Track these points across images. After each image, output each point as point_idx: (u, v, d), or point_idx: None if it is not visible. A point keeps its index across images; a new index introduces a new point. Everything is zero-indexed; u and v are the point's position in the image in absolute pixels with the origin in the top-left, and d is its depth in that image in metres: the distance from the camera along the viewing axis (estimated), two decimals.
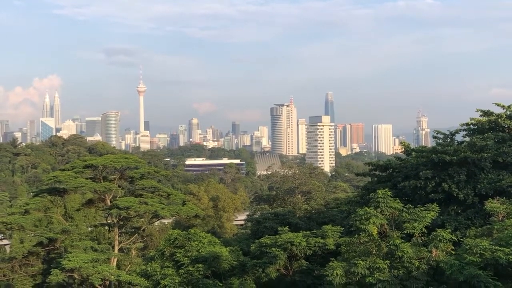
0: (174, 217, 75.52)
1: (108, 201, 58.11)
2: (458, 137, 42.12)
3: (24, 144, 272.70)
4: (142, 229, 64.02)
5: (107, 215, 60.25)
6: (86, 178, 58.32)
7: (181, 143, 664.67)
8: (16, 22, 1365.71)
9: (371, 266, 22.98)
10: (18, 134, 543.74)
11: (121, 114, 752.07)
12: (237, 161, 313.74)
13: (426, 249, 24.03)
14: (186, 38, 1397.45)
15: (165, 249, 36.16)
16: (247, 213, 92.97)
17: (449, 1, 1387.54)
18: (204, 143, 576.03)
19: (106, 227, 63.47)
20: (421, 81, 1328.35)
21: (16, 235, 71.56)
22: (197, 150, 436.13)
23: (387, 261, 23.25)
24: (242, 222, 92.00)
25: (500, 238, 23.09)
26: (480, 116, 40.93)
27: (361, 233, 24.24)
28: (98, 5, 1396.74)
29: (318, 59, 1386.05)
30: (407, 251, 23.30)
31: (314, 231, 34.95)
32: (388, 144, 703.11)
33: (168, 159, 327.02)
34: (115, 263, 54.62)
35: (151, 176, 61.77)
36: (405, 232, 24.71)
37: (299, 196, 77.14)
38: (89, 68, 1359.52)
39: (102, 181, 58.66)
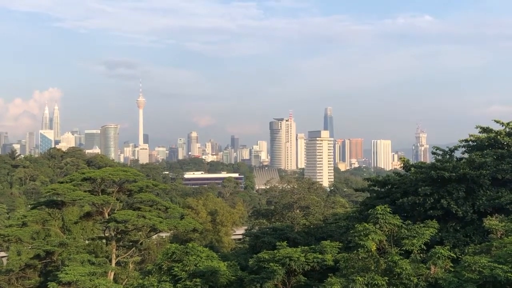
0: (172, 231, 75.38)
1: (106, 214, 57.93)
2: (457, 154, 42.18)
3: (22, 156, 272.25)
4: (139, 242, 63.77)
5: (104, 228, 60.06)
6: (85, 191, 58.16)
7: (180, 157, 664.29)
8: (17, 34, 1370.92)
9: (370, 282, 22.90)
10: (17, 146, 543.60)
11: (120, 127, 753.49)
12: (236, 175, 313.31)
13: (425, 266, 23.96)
14: (186, 52, 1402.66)
15: (162, 263, 36.04)
16: (245, 227, 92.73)
17: (448, 18, 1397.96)
18: (203, 157, 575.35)
19: (104, 241, 63.19)
20: (420, 97, 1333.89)
21: (14, 248, 71.27)
22: (196, 163, 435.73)
23: (386, 278, 23.17)
24: (240, 237, 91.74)
25: (498, 255, 23.05)
26: (479, 132, 41.03)
27: (359, 249, 24.19)
28: (99, 18, 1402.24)
29: (317, 73, 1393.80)
30: (406, 268, 23.22)
31: (313, 246, 34.80)
32: (387, 160, 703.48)
33: (167, 172, 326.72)
34: (112, 277, 54.34)
35: (149, 189, 61.64)
36: (404, 248, 24.67)
37: (298, 211, 76.93)
38: (89, 80, 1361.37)
39: (100, 194, 58.50)
